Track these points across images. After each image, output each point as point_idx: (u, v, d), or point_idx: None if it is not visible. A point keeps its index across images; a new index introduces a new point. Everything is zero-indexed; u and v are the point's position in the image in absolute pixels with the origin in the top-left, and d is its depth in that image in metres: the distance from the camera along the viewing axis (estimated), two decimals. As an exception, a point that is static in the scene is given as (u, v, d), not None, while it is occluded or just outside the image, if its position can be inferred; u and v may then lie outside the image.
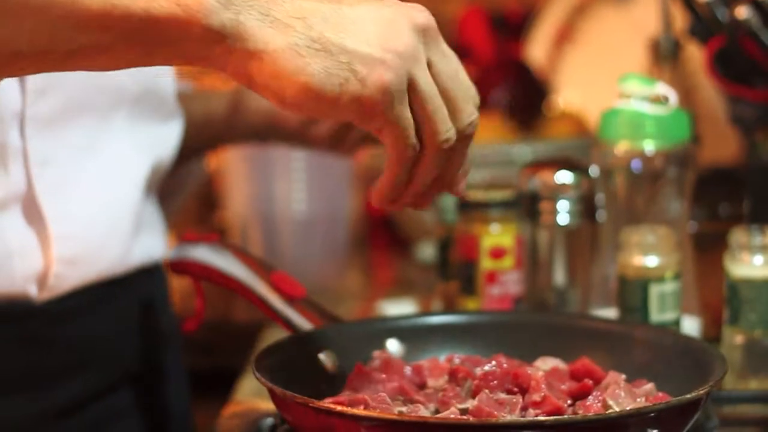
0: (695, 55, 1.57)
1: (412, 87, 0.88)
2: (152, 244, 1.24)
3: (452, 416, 0.93)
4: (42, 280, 1.11)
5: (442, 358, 1.06)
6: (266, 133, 1.37)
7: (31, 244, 1.09)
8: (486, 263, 1.30)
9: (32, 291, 1.10)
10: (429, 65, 0.89)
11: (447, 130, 0.89)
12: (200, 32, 0.84)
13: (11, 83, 1.06)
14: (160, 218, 1.27)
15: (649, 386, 0.98)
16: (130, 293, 1.21)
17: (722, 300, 1.18)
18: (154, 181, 1.24)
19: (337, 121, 0.97)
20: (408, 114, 0.88)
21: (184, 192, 1.51)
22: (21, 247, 1.09)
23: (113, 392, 1.20)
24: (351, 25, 0.87)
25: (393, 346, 1.08)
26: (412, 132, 0.88)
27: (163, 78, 1.23)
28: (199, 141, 1.37)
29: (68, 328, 1.14)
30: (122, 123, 1.18)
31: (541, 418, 0.93)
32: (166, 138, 1.24)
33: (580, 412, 0.94)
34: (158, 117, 1.23)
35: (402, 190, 0.92)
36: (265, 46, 0.85)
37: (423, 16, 0.89)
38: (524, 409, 0.94)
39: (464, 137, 0.91)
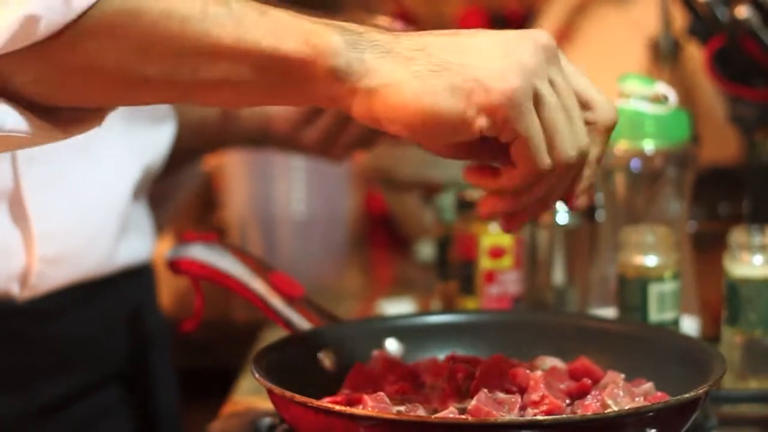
0: (695, 54, 1.57)
1: (537, 101, 0.86)
2: (139, 246, 1.24)
3: (451, 416, 0.93)
4: (24, 279, 1.10)
5: (441, 357, 1.06)
6: (259, 138, 1.37)
7: (15, 241, 1.09)
8: (485, 263, 1.30)
9: (14, 289, 1.10)
10: (551, 83, 0.87)
11: (571, 148, 0.88)
12: (325, 72, 0.84)
13: None
14: (148, 221, 1.27)
15: (648, 386, 0.98)
16: (115, 294, 1.21)
17: (721, 299, 1.18)
18: (144, 183, 1.23)
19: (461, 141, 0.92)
20: (538, 124, 0.86)
21: (179, 196, 1.51)
22: (5, 244, 1.09)
23: (99, 391, 1.20)
24: (471, 49, 0.86)
25: (392, 345, 1.08)
26: (544, 145, 0.87)
27: None
28: (195, 145, 1.38)
29: (51, 328, 1.14)
30: (116, 125, 1.17)
31: (540, 417, 0.93)
32: (158, 141, 1.24)
33: (579, 411, 0.94)
34: (151, 120, 1.22)
35: (516, 204, 0.91)
36: (388, 79, 0.85)
37: (545, 36, 0.88)
38: (523, 408, 0.94)
39: (580, 157, 0.89)
